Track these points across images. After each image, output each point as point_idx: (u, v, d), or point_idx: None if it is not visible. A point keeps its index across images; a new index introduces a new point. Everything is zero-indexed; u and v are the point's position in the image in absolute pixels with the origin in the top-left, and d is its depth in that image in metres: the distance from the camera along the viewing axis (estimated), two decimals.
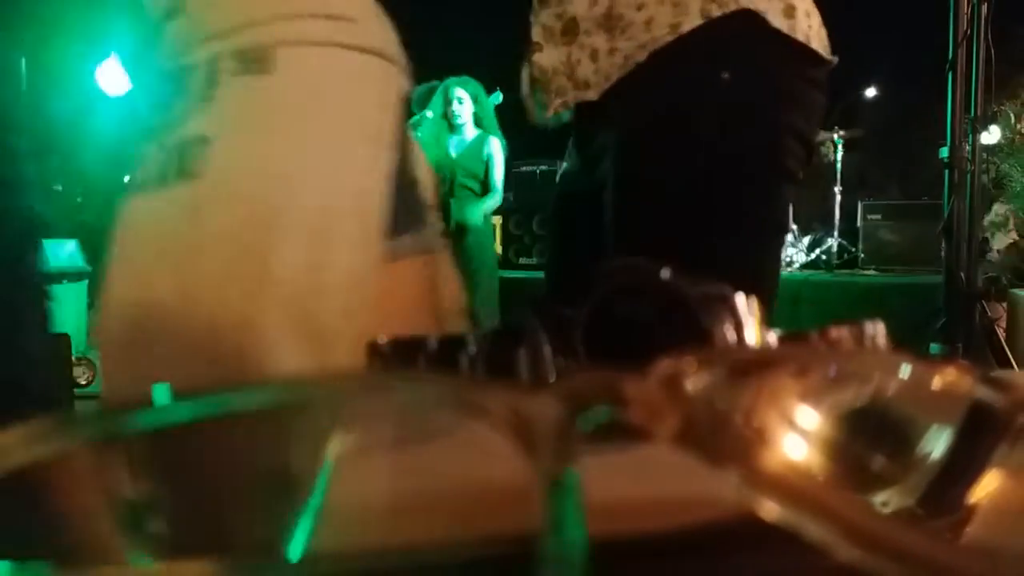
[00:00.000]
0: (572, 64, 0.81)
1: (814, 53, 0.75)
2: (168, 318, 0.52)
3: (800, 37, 0.73)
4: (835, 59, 0.79)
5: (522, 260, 4.67)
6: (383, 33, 0.60)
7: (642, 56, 0.73)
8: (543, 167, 4.76)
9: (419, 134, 3.18)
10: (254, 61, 0.57)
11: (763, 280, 0.78)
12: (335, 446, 0.13)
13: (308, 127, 0.56)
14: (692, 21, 0.72)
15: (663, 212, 0.75)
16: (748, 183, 0.75)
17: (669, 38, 0.72)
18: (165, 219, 0.55)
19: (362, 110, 0.58)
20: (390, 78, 0.59)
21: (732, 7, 0.72)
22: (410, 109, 0.64)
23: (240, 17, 0.58)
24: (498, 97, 3.22)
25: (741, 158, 0.74)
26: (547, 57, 0.83)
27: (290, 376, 0.12)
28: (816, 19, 0.76)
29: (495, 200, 3.18)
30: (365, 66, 0.58)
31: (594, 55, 0.78)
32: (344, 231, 0.54)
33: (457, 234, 3.04)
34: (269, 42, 0.57)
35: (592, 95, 0.79)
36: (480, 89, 3.07)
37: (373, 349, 0.19)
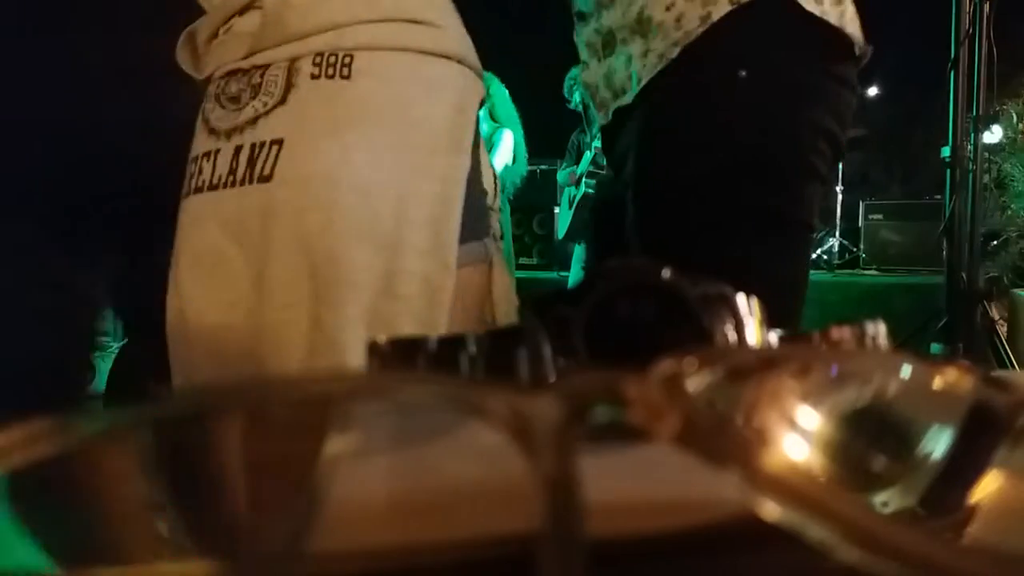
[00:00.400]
0: (610, 74, 0.82)
1: (846, 37, 0.73)
2: (238, 326, 0.53)
3: (832, 21, 0.72)
4: (869, 48, 0.77)
5: (522, 260, 4.67)
6: (462, 39, 0.59)
7: (674, 53, 0.73)
8: (543, 166, 4.75)
9: None
10: (332, 65, 0.56)
11: (791, 280, 0.77)
12: (335, 446, 0.13)
13: (384, 134, 0.55)
14: (721, 9, 0.71)
15: (684, 210, 0.75)
16: (773, 181, 0.74)
17: (700, 30, 0.72)
18: (235, 221, 0.55)
19: (440, 118, 0.57)
20: (468, 84, 0.58)
21: None
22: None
23: (320, 19, 0.56)
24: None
25: (766, 155, 0.73)
26: (591, 73, 0.85)
27: (290, 376, 0.12)
28: (850, 8, 0.74)
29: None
30: (445, 72, 0.57)
31: (628, 61, 0.78)
32: (417, 240, 0.54)
33: None
34: (348, 46, 0.56)
35: (627, 99, 0.79)
36: (494, 81, 3.03)
37: (373, 349, 0.19)
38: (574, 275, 3.20)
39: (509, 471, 0.11)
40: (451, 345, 0.18)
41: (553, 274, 4.15)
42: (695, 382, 0.12)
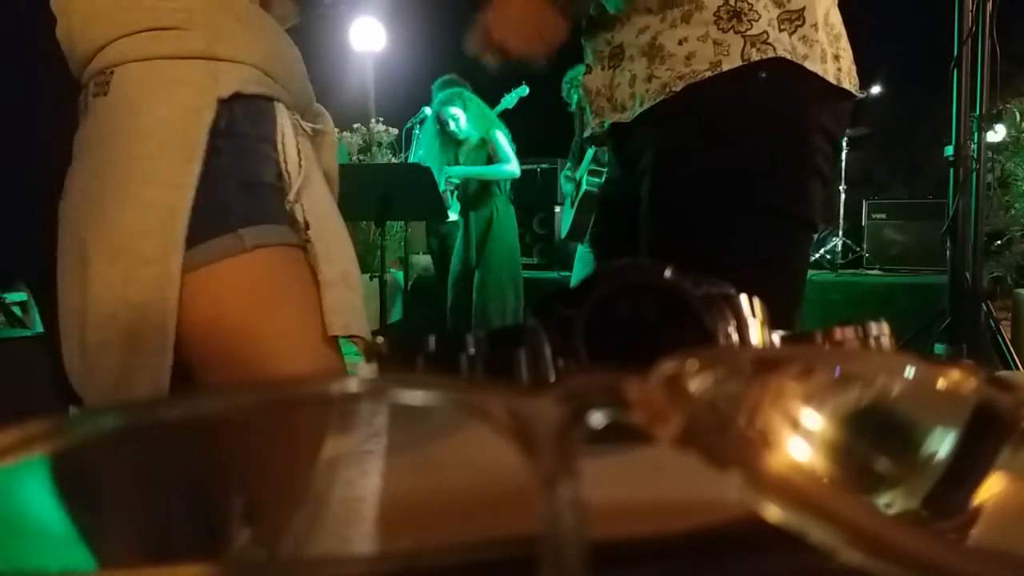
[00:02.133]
0: (613, 87, 0.86)
1: (845, 92, 0.80)
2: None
3: (831, 79, 0.78)
4: (863, 94, 0.85)
5: (523, 260, 4.67)
6: (214, 34, 0.62)
7: (678, 86, 0.78)
8: (543, 166, 4.75)
9: (422, 152, 3.18)
10: (101, 84, 0.62)
11: (794, 276, 0.81)
12: (334, 448, 0.13)
13: (121, 147, 0.60)
14: (732, 62, 0.76)
15: (695, 212, 0.79)
16: (780, 180, 0.78)
17: (708, 74, 0.76)
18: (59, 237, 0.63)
19: (172, 122, 0.60)
20: (214, 80, 0.61)
21: (771, 54, 0.76)
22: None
23: (96, 39, 0.62)
24: (524, 90, 3.22)
25: (773, 156, 0.77)
26: (593, 79, 0.88)
27: (289, 377, 0.12)
28: (847, 60, 0.82)
29: (509, 168, 3.11)
30: (187, 75, 0.61)
31: (632, 80, 0.82)
32: (145, 248, 0.58)
33: (481, 235, 3.03)
34: (109, 63, 0.61)
35: (626, 117, 0.84)
36: (467, 93, 3.06)
37: (372, 350, 0.19)
38: (575, 275, 3.20)
39: (509, 473, 0.11)
40: (450, 345, 0.18)
41: (553, 274, 4.15)
42: (697, 383, 0.12)
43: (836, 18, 0.82)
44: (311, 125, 0.70)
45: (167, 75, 0.60)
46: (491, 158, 3.11)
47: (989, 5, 2.27)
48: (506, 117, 3.31)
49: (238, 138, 0.62)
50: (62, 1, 0.64)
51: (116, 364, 0.58)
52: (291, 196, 0.65)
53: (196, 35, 0.62)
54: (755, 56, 0.75)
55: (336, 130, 0.78)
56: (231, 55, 0.62)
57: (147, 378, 0.57)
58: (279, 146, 0.65)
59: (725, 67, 0.75)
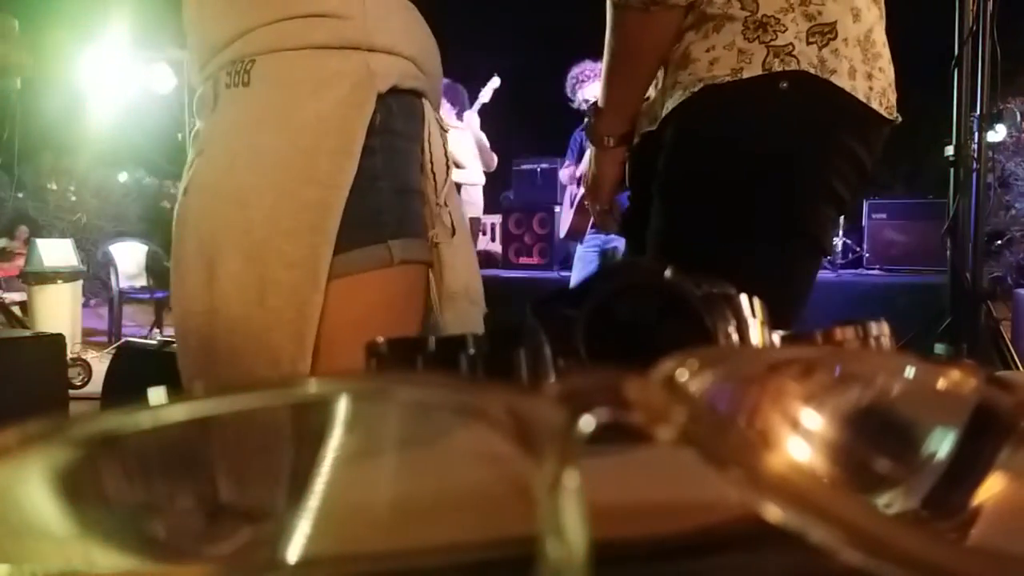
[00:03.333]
0: (649, 103, 0.86)
1: (873, 112, 0.77)
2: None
3: (861, 97, 0.76)
4: (897, 118, 0.81)
5: (522, 260, 4.66)
6: (367, 23, 0.57)
7: (697, 87, 0.77)
8: (544, 166, 4.75)
9: None
10: (238, 73, 0.57)
11: (791, 293, 0.79)
12: (334, 447, 0.13)
13: (269, 139, 0.55)
14: (753, 70, 0.75)
15: (698, 211, 0.78)
16: (789, 193, 0.77)
17: (728, 79, 0.76)
18: (175, 229, 0.59)
19: (328, 117, 0.55)
20: (371, 73, 0.56)
21: (793, 66, 0.75)
22: (409, 106, 0.61)
23: (230, 29, 0.57)
24: (496, 81, 3.21)
25: (785, 168, 0.76)
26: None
27: (289, 377, 0.12)
28: (881, 81, 0.79)
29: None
30: (341, 66, 0.56)
31: (662, 91, 0.83)
32: (288, 250, 0.54)
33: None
34: (250, 52, 0.57)
35: (653, 126, 0.84)
36: None
37: (372, 350, 0.19)
38: (575, 275, 3.20)
39: (510, 472, 0.11)
40: (450, 345, 0.18)
41: (553, 274, 4.15)
42: (697, 383, 0.12)
43: (880, 37, 0.80)
44: (446, 123, 0.66)
45: (322, 66, 0.56)
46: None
47: (990, 4, 2.27)
48: (486, 112, 3.28)
49: (392, 136, 0.58)
50: None
51: (240, 371, 0.54)
52: (440, 199, 0.62)
53: (353, 24, 0.57)
54: (777, 67, 0.75)
55: None
56: (388, 46, 0.58)
57: None
58: (426, 145, 0.61)
59: (746, 75, 0.75)
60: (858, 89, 0.76)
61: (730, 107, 0.77)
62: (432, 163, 0.62)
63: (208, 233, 0.56)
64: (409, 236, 0.59)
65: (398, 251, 0.58)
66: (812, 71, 0.75)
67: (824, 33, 0.75)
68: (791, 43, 0.75)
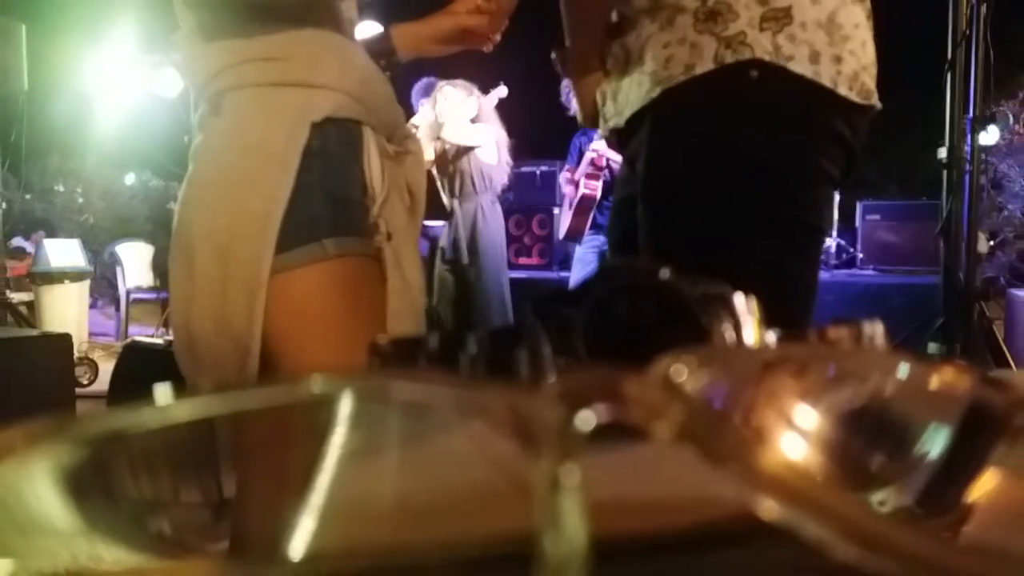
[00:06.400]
0: (616, 91, 0.86)
1: (841, 99, 0.74)
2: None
3: (825, 81, 0.73)
4: (876, 104, 0.78)
5: (522, 260, 4.67)
6: (311, 65, 0.72)
7: (656, 92, 0.77)
8: (543, 167, 4.76)
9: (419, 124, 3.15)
10: (214, 105, 0.71)
11: (798, 281, 0.77)
12: (335, 445, 0.13)
13: (228, 160, 0.70)
14: (705, 65, 0.73)
15: (691, 213, 0.77)
16: (780, 184, 0.75)
17: (682, 78, 0.75)
18: (172, 236, 0.73)
19: (274, 143, 0.69)
20: (309, 104, 0.70)
21: (746, 55, 0.72)
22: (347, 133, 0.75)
23: (210, 68, 0.72)
24: (503, 91, 3.21)
25: (767, 159, 0.75)
26: (608, 84, 0.88)
27: (289, 376, 0.12)
28: (852, 64, 0.75)
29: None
30: (289, 99, 0.70)
31: (629, 83, 0.82)
32: (243, 251, 0.67)
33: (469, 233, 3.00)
34: (222, 88, 0.71)
35: (620, 121, 0.84)
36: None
37: (373, 348, 0.19)
38: (574, 275, 3.20)
39: (510, 469, 0.11)
40: (451, 344, 0.18)
41: (552, 274, 4.15)
42: (694, 381, 0.13)
43: (846, 19, 0.75)
44: (394, 147, 0.79)
45: (270, 100, 0.70)
46: None
47: (983, 8, 2.28)
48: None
49: (328, 157, 0.71)
50: (185, 29, 0.73)
51: (209, 349, 0.68)
52: (375, 211, 0.74)
53: (297, 65, 0.71)
54: (729, 58, 0.72)
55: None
56: (325, 83, 0.71)
57: (236, 362, 0.66)
58: (365, 165, 0.74)
59: (698, 71, 0.73)
60: (822, 74, 0.73)
61: (696, 104, 0.75)
62: (371, 179, 0.75)
63: (188, 236, 0.70)
64: (346, 235, 0.71)
65: (331, 247, 0.69)
66: (767, 58, 0.72)
67: (779, 19, 0.72)
68: (743, 31, 0.72)
